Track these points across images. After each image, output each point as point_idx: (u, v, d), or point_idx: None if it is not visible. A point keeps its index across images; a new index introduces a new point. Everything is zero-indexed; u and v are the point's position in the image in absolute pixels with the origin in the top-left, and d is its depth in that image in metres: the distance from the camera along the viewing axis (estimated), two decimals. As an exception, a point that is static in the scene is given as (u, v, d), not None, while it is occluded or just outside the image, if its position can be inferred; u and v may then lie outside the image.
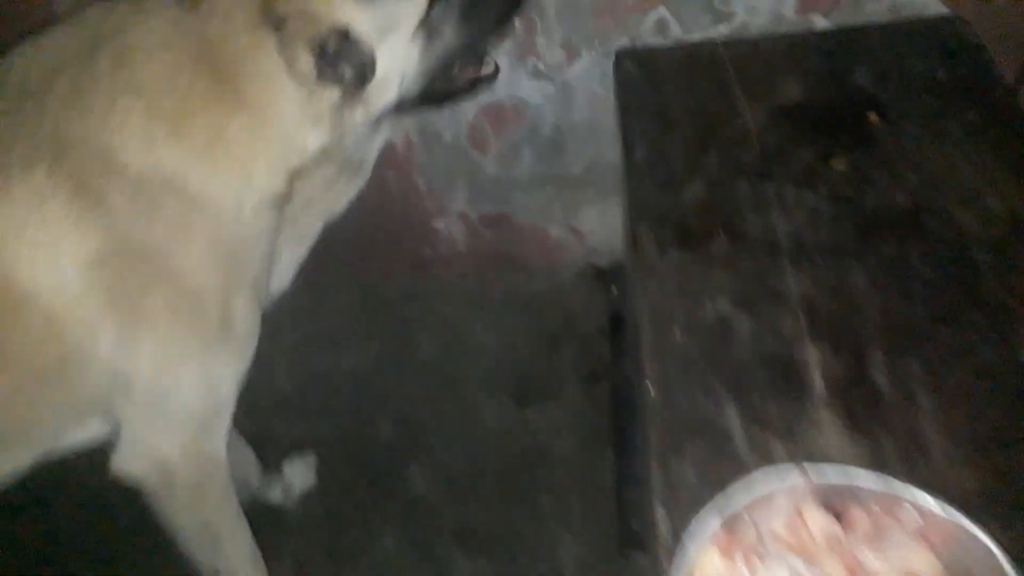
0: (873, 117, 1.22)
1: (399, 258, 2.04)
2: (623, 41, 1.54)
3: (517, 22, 1.54)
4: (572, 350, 1.90)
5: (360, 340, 1.99)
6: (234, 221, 1.08)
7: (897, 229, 1.08)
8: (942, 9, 1.36)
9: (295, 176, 1.11)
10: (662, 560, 0.81)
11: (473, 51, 1.22)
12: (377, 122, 1.17)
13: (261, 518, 1.42)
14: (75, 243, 1.00)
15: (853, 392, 0.94)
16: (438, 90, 1.20)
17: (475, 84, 1.25)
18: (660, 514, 0.87)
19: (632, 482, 1.62)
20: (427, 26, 1.12)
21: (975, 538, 0.74)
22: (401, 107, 1.17)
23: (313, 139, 1.09)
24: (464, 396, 1.85)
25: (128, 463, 1.17)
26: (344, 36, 1.05)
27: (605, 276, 2.02)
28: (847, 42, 1.36)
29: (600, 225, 1.93)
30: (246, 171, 1.06)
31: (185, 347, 1.11)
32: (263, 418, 1.62)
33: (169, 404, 1.14)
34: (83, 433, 1.19)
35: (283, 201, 1.12)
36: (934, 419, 0.90)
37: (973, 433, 0.89)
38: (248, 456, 1.59)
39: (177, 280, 1.07)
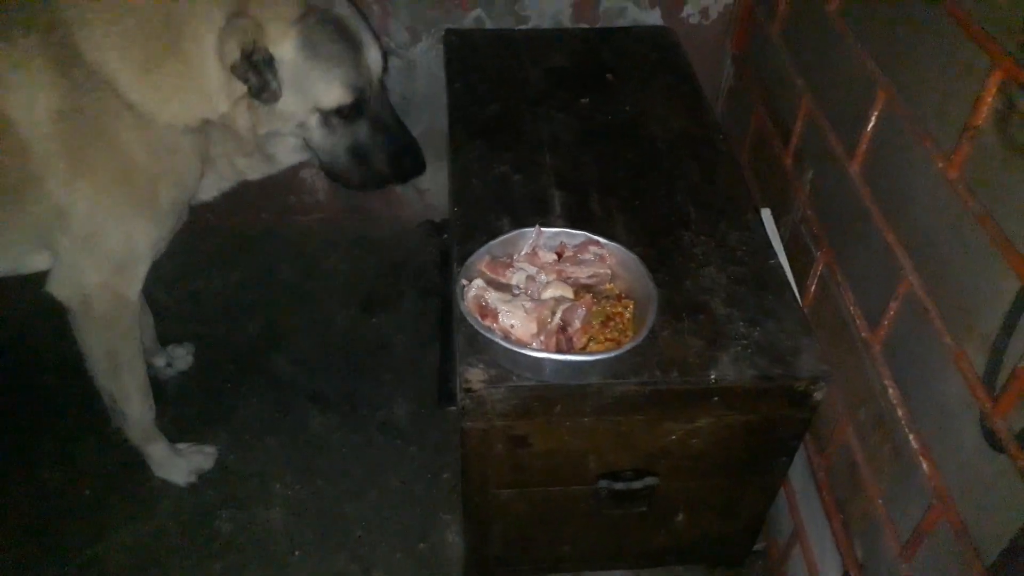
0: (609, 76, 1.87)
1: (266, 204, 2.46)
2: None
3: (376, 8, 2.09)
4: (410, 275, 2.40)
5: (228, 268, 2.38)
6: (156, 129, 1.39)
7: (615, 135, 1.71)
8: (659, 21, 2.07)
9: (206, 123, 1.44)
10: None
11: (349, 177, 1.56)
12: (292, 139, 1.51)
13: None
14: (47, 94, 1.31)
15: (577, 213, 1.51)
16: (331, 175, 1.57)
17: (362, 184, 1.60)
18: (456, 270, 1.37)
19: (451, 359, 2.11)
20: (325, 119, 1.46)
21: (628, 255, 1.33)
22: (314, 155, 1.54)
23: (221, 106, 1.41)
24: (319, 306, 2.29)
25: (58, 288, 1.50)
26: (269, 59, 1.37)
27: (439, 227, 2.55)
28: (599, 36, 2.03)
29: (435, 184, 2.46)
30: (165, 98, 1.38)
31: (114, 202, 1.42)
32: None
33: (96, 244, 1.44)
34: (34, 263, 1.50)
35: (199, 134, 1.45)
36: (623, 226, 1.49)
37: (643, 232, 1.48)
38: (148, 320, 1.94)
39: (112, 150, 1.38)
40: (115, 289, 1.52)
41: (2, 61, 1.30)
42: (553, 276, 1.30)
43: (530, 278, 1.28)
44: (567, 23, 2.14)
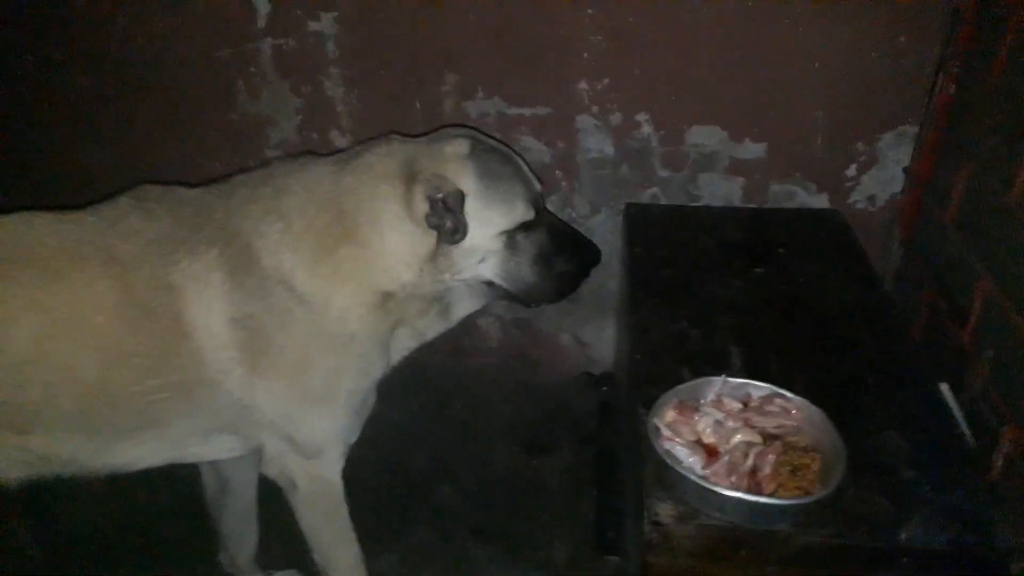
0: (780, 249, 2.01)
1: (443, 345, 2.68)
2: (630, 203, 2.38)
3: (564, 184, 2.38)
4: (568, 423, 2.52)
5: (403, 400, 2.57)
6: (331, 319, 1.44)
7: (789, 302, 1.83)
8: (826, 205, 2.23)
9: (387, 297, 1.49)
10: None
11: (539, 288, 1.59)
12: (467, 287, 1.58)
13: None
14: (223, 305, 1.41)
15: (755, 369, 1.61)
16: (520, 295, 1.61)
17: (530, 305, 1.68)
18: (643, 411, 1.48)
19: (608, 507, 2.17)
20: (510, 238, 1.52)
21: (815, 409, 1.40)
22: (491, 291, 1.61)
23: (406, 272, 1.47)
24: (484, 445, 2.44)
25: (267, 469, 1.60)
26: (461, 196, 1.44)
27: (597, 380, 2.68)
28: (770, 215, 2.21)
29: (596, 339, 2.63)
30: (340, 286, 1.44)
31: (291, 397, 1.48)
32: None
33: (286, 432, 1.52)
34: (207, 448, 1.57)
35: (381, 311, 1.50)
36: (801, 386, 1.56)
37: (821, 393, 1.54)
38: (251, 536, 1.95)
39: (286, 350, 1.45)
40: (315, 472, 1.58)
41: (185, 273, 1.42)
42: (740, 423, 1.39)
43: (718, 423, 1.38)
44: (737, 202, 2.34)
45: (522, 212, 1.52)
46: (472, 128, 1.71)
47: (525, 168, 1.59)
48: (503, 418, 2.53)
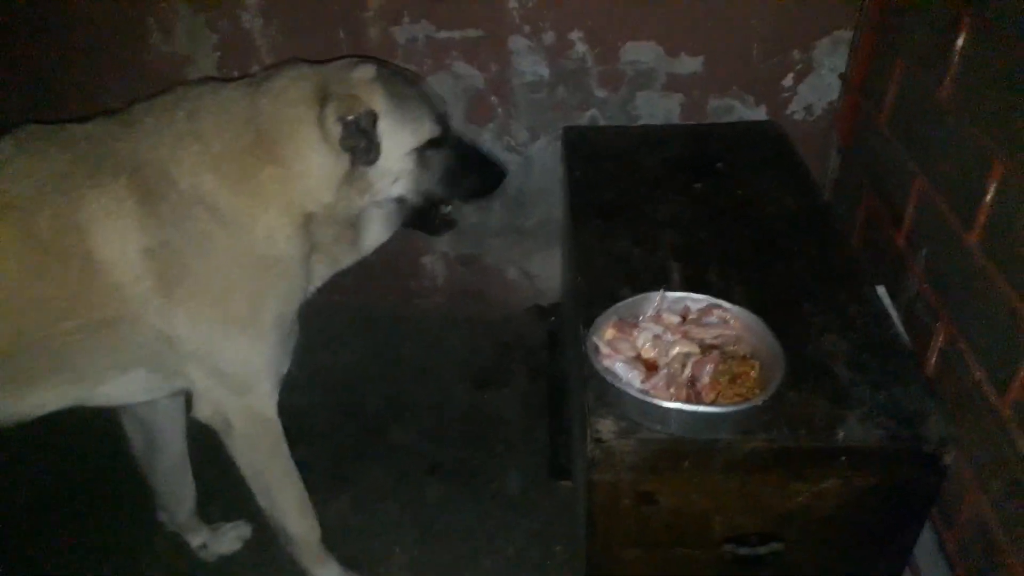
0: (720, 165, 1.99)
1: (390, 287, 2.65)
2: (569, 127, 2.32)
3: (500, 111, 2.31)
4: (520, 355, 2.51)
5: (355, 345, 2.55)
6: (257, 240, 1.41)
7: (730, 215, 1.81)
8: (764, 117, 2.20)
9: (309, 218, 1.47)
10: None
11: (449, 200, 1.63)
12: (378, 211, 1.57)
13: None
14: (137, 235, 1.35)
15: (696, 283, 1.59)
16: (421, 219, 1.64)
17: (439, 228, 1.70)
18: (584, 331, 1.46)
19: (561, 434, 2.17)
20: (421, 155, 1.53)
21: (752, 317, 1.39)
22: (397, 213, 1.60)
23: (327, 193, 1.46)
24: (436, 381, 2.41)
25: (198, 412, 1.52)
26: (373, 116, 1.44)
27: (546, 312, 2.66)
28: (708, 130, 2.18)
29: (544, 270, 2.60)
30: (266, 206, 1.42)
31: (213, 325, 1.43)
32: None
33: (214, 366, 1.46)
34: (122, 383, 1.49)
35: (305, 232, 1.48)
36: (742, 295, 1.56)
37: (762, 301, 1.54)
38: (188, 490, 1.89)
39: (205, 276, 1.41)
40: (249, 408, 1.54)
41: (92, 208, 1.35)
42: (679, 336, 1.37)
43: (656, 337, 1.36)
44: (675, 120, 2.29)
45: (430, 129, 1.53)
46: (372, 58, 1.63)
47: (429, 88, 1.61)
48: (455, 355, 2.51)
